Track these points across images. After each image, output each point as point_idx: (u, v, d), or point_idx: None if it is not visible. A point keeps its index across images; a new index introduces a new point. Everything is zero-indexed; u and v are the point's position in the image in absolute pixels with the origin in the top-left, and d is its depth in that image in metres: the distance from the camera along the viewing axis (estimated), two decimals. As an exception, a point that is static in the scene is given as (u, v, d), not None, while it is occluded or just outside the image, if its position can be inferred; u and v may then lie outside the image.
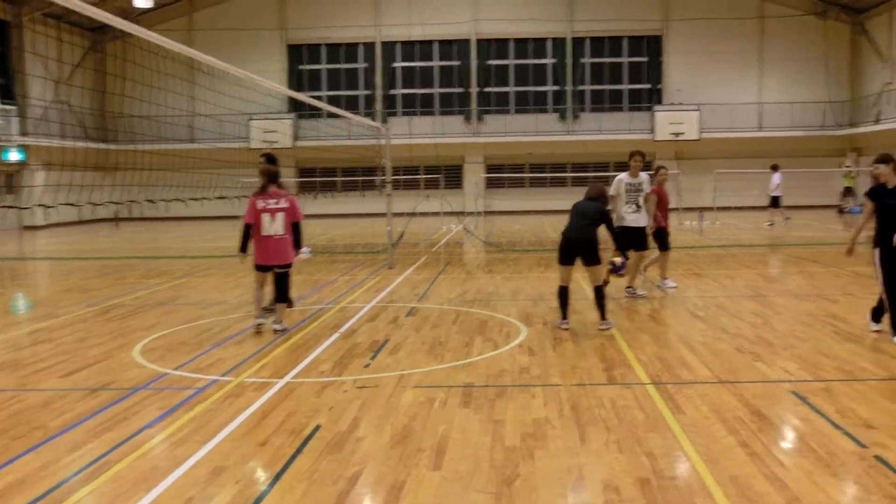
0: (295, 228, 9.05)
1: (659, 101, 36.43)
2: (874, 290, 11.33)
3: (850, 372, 6.96)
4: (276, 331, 8.94)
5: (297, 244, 9.10)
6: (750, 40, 36.55)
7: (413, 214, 25.53)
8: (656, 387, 6.56)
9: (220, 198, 14.70)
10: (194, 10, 37.28)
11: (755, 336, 8.54)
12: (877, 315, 8.45)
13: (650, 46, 36.80)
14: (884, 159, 7.92)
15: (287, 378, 7.02)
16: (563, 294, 9.13)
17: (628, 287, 11.28)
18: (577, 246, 9.02)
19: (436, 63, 37.48)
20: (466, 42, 36.79)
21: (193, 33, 36.17)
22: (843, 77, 36.81)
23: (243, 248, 8.96)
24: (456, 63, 37.17)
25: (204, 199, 14.40)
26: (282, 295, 9.12)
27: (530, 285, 12.80)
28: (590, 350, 7.99)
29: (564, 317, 9.12)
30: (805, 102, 36.27)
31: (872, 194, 8.12)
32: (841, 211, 32.82)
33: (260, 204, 8.89)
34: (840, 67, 36.73)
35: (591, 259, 8.98)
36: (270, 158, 9.92)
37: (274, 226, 8.86)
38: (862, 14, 35.60)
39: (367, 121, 17.12)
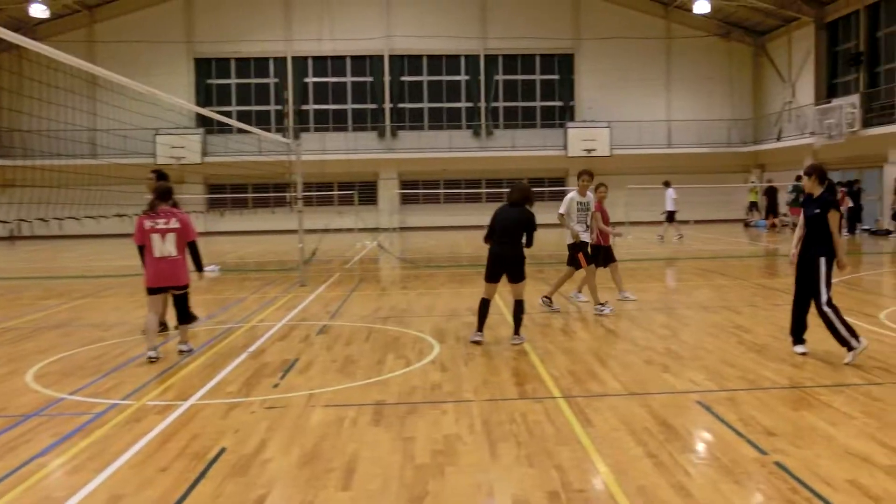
0: (191, 248, 8.59)
1: (571, 118, 37.05)
2: (777, 302, 11.76)
3: (753, 381, 7.14)
4: (181, 352, 8.63)
5: (197, 265, 8.68)
6: (658, 59, 37.64)
7: (326, 231, 25.28)
8: (567, 400, 6.60)
9: (118, 216, 14.15)
10: (95, 21, 36.07)
11: (664, 348, 8.70)
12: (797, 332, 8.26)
13: (562, 64, 37.44)
14: (807, 171, 8.03)
15: (192, 400, 6.78)
16: (484, 307, 9.10)
17: (545, 298, 11.37)
18: (503, 263, 8.95)
19: (349, 79, 37.20)
20: (380, 58, 36.68)
21: (95, 45, 35.02)
22: (746, 96, 38.27)
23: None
24: (369, 79, 37.00)
25: (101, 217, 13.82)
26: (183, 316, 8.74)
27: (444, 301, 12.78)
28: (502, 365, 8.00)
29: (479, 329, 9.11)
30: (711, 120, 37.52)
31: (801, 204, 8.27)
32: (747, 225, 34.05)
33: (147, 224, 8.38)
34: (743, 87, 38.19)
35: (517, 276, 8.96)
36: (160, 175, 9.51)
37: (166, 247, 8.36)
38: (763, 36, 37.12)
39: (278, 137, 16.81)
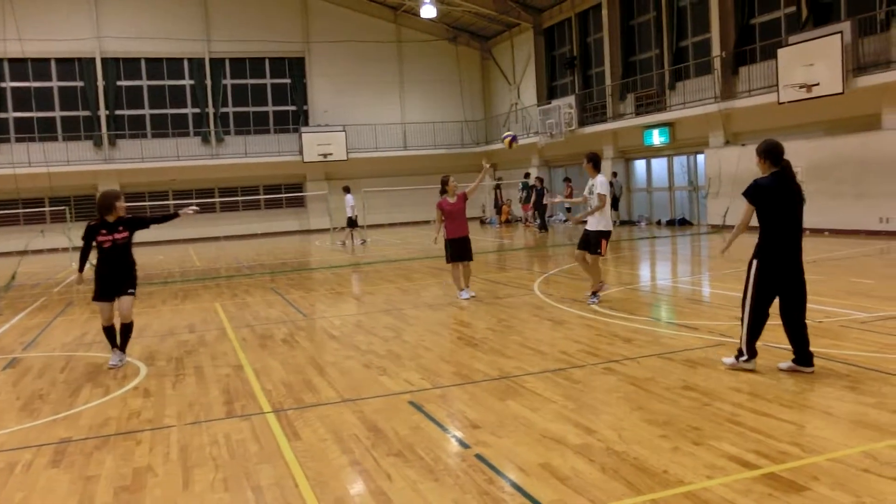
0: None
1: (306, 123, 36.59)
2: (499, 295, 12.14)
3: (466, 375, 7.23)
4: None
5: None
6: (390, 63, 38.22)
7: (24, 253, 22.84)
8: (276, 415, 6.28)
9: None
10: None
11: (385, 350, 8.62)
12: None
13: (293, 68, 36.81)
14: (757, 151, 6.59)
15: None
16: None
17: (595, 293, 10.93)
18: None
19: (55, 83, 33.74)
20: (90, 61, 33.74)
21: None
22: (477, 98, 40.03)
23: None
24: (80, 84, 33.85)
25: None
26: None
27: (161, 320, 11.92)
28: (214, 384, 7.50)
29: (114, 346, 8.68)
30: (445, 122, 38.83)
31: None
32: (482, 222, 35.75)
33: None
34: (474, 89, 39.90)
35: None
36: None
37: None
38: (488, 41, 39.02)
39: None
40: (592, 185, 10.80)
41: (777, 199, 6.39)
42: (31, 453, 5.66)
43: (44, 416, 6.69)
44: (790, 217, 6.43)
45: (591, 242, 10.82)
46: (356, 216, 26.07)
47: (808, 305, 6.68)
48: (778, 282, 6.47)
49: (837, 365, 6.73)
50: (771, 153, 6.46)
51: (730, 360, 6.83)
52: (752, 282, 6.50)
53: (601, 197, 10.65)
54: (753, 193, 6.45)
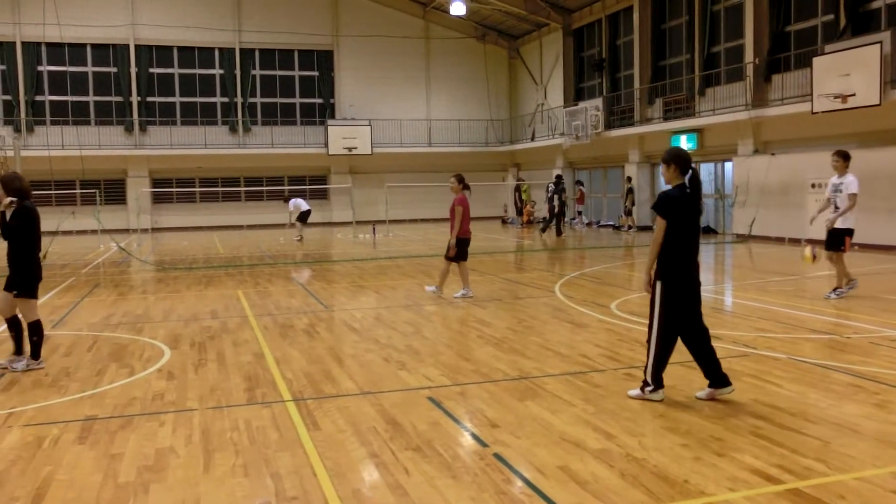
0: None
1: (332, 116, 36.71)
2: (520, 295, 12.15)
3: (486, 374, 7.25)
4: None
5: None
6: (417, 59, 38.25)
7: (55, 233, 23.17)
8: (297, 403, 6.34)
9: None
10: None
11: (404, 345, 8.66)
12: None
13: (321, 61, 36.97)
14: (664, 158, 6.27)
15: None
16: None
17: (837, 288, 11.16)
18: None
19: (90, 68, 34.14)
20: (125, 47, 34.10)
21: None
22: (503, 97, 39.91)
23: None
24: (113, 69, 34.22)
25: None
26: None
27: (185, 304, 12.05)
28: (235, 370, 7.59)
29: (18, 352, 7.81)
30: (470, 120, 38.79)
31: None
32: (504, 222, 35.70)
33: None
34: (500, 88, 39.78)
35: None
36: None
37: None
38: (517, 40, 38.91)
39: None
40: (840, 183, 11.06)
41: (685, 212, 6.05)
42: (59, 429, 5.77)
43: (71, 392, 6.82)
44: (694, 231, 6.11)
45: (836, 240, 11.08)
46: (309, 210, 26.41)
47: (838, 321, 6.63)
48: (685, 303, 6.12)
49: (866, 382, 6.68)
50: (679, 159, 6.11)
51: (635, 391, 6.33)
52: (659, 306, 6.11)
53: (853, 196, 10.89)
54: (666, 206, 6.03)
